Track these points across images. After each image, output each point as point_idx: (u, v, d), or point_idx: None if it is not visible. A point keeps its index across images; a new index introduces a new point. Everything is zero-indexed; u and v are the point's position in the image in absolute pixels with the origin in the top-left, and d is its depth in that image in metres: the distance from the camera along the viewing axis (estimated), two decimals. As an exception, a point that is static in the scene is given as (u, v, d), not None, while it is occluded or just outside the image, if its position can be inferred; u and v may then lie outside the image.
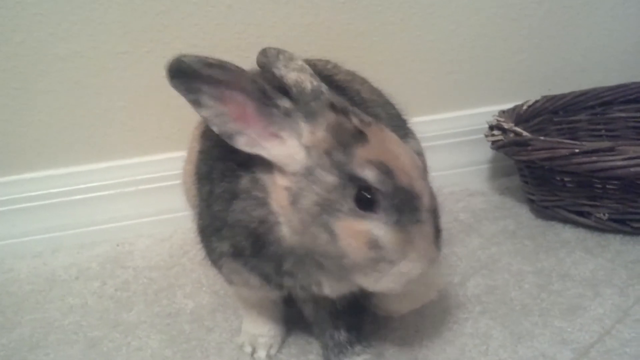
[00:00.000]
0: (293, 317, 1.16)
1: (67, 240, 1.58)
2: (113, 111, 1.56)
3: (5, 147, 1.55)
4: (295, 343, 1.14)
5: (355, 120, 0.83)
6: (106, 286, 1.39)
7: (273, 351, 1.11)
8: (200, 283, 1.36)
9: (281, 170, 0.83)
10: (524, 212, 1.57)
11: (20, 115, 1.53)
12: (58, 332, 1.24)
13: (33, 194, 1.57)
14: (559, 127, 1.71)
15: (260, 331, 1.12)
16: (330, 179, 0.80)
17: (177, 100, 1.51)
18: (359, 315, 1.08)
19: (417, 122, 1.24)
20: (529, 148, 1.40)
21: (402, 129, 1.18)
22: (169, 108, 1.55)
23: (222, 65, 0.79)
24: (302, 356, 1.10)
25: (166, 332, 1.20)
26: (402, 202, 0.80)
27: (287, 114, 0.82)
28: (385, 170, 0.79)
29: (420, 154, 1.20)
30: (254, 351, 1.12)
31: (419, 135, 1.21)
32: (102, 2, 1.47)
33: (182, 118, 1.55)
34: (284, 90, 0.84)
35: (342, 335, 1.04)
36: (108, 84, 1.53)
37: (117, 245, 1.56)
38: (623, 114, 1.71)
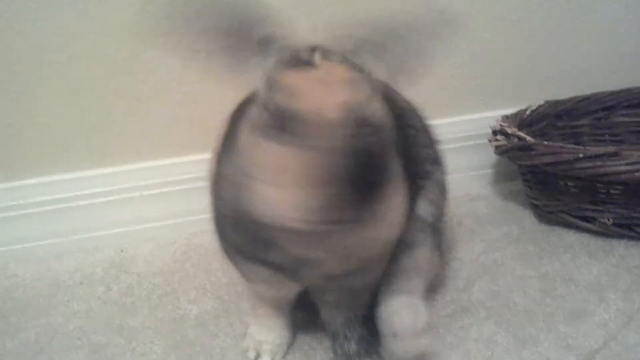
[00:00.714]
0: (298, 322, 1.16)
1: (71, 246, 1.58)
2: (116, 116, 1.56)
3: (7, 152, 1.55)
4: (299, 349, 1.14)
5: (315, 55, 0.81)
6: (110, 291, 1.39)
7: (277, 358, 1.11)
8: (204, 288, 1.36)
9: None
10: (527, 217, 1.56)
11: (23, 120, 1.53)
12: (62, 337, 1.24)
13: (36, 199, 1.57)
14: (562, 132, 1.71)
15: (265, 337, 1.12)
16: None
17: (180, 106, 1.52)
18: (373, 327, 1.08)
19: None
20: (533, 153, 1.40)
21: (433, 151, 1.18)
22: (172, 114, 1.55)
23: None
24: (306, 362, 1.11)
25: (170, 338, 1.20)
26: (279, 121, 0.75)
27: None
28: (271, 87, 0.77)
29: (443, 189, 1.19)
30: (257, 356, 1.11)
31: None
32: (104, 7, 1.47)
33: (185, 124, 1.56)
34: None
35: (351, 347, 1.04)
36: (111, 89, 1.53)
37: (121, 251, 1.56)
38: (626, 119, 1.71)
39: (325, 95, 0.75)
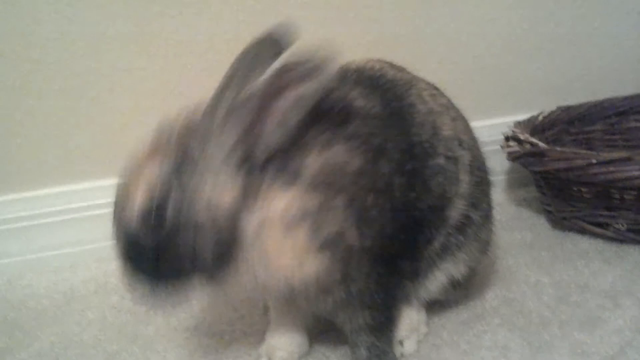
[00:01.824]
0: (314, 329, 1.16)
1: (85, 255, 1.59)
2: (130, 127, 1.57)
3: (23, 163, 1.56)
4: (313, 357, 1.13)
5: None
6: (124, 300, 1.39)
7: None
8: (217, 296, 1.36)
9: None
10: (541, 223, 1.56)
11: (37, 131, 1.54)
12: (77, 346, 1.24)
13: (51, 209, 1.58)
14: (575, 137, 1.70)
15: (279, 344, 1.11)
16: None
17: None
18: (385, 336, 1.06)
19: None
20: (545, 159, 1.40)
21: (479, 192, 1.13)
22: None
23: None
24: (319, 369, 1.11)
25: (184, 346, 1.20)
26: None
27: None
28: None
29: (484, 248, 1.18)
30: None
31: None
32: (118, 20, 1.48)
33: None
34: None
35: (361, 354, 1.03)
36: (125, 100, 1.55)
37: (135, 260, 1.56)
38: (639, 124, 1.70)
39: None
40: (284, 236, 0.89)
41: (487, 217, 1.16)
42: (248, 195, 0.88)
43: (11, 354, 1.24)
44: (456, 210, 1.07)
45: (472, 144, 1.14)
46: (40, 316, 1.37)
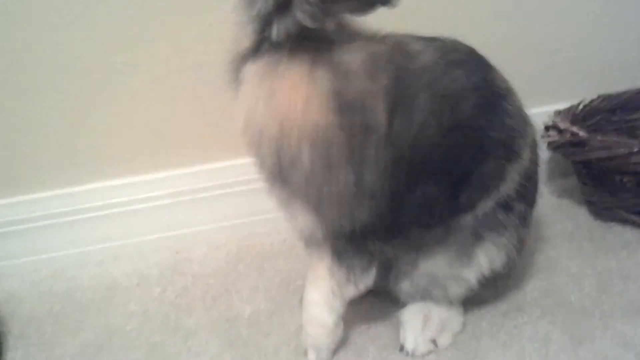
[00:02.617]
0: (351, 320, 1.17)
1: (127, 249, 1.61)
2: (171, 121, 1.58)
3: (66, 159, 1.59)
4: (351, 348, 1.14)
5: None
6: (166, 292, 1.41)
7: (324, 355, 1.12)
8: (256, 288, 1.37)
9: None
10: (582, 214, 1.54)
11: (80, 127, 1.56)
12: (120, 337, 1.27)
13: (94, 204, 1.61)
14: (616, 126, 1.67)
15: (314, 332, 1.12)
16: None
17: (234, 109, 1.53)
18: None
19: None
20: (586, 148, 1.38)
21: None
22: (226, 116, 1.57)
23: None
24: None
25: (224, 337, 1.22)
26: None
27: None
28: None
29: (522, 240, 1.13)
30: (305, 352, 1.13)
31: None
32: (157, 15, 1.49)
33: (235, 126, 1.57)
34: None
35: None
36: (167, 93, 1.56)
37: (176, 253, 1.59)
38: (683, 111, 1.67)
39: None
40: (296, 83, 0.93)
41: (525, 218, 1.11)
42: (257, 48, 0.97)
43: (57, 345, 1.27)
44: (512, 176, 1.04)
45: (532, 128, 1.13)
46: (84, 308, 1.40)
